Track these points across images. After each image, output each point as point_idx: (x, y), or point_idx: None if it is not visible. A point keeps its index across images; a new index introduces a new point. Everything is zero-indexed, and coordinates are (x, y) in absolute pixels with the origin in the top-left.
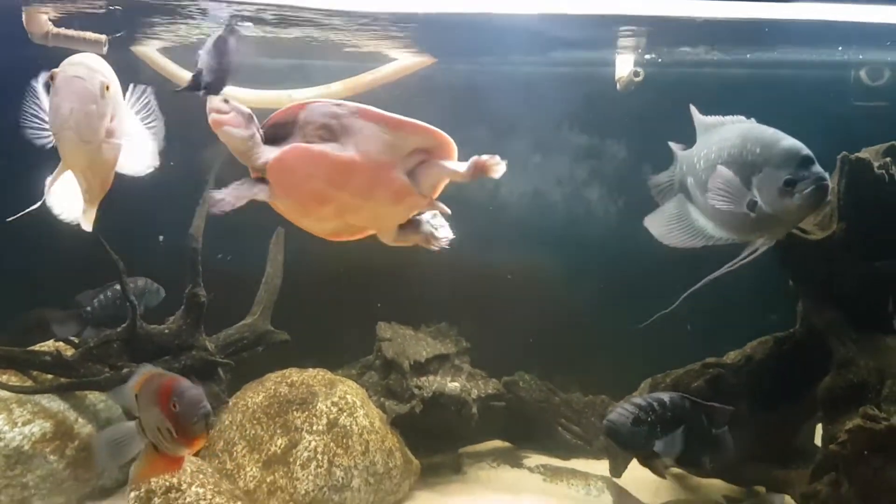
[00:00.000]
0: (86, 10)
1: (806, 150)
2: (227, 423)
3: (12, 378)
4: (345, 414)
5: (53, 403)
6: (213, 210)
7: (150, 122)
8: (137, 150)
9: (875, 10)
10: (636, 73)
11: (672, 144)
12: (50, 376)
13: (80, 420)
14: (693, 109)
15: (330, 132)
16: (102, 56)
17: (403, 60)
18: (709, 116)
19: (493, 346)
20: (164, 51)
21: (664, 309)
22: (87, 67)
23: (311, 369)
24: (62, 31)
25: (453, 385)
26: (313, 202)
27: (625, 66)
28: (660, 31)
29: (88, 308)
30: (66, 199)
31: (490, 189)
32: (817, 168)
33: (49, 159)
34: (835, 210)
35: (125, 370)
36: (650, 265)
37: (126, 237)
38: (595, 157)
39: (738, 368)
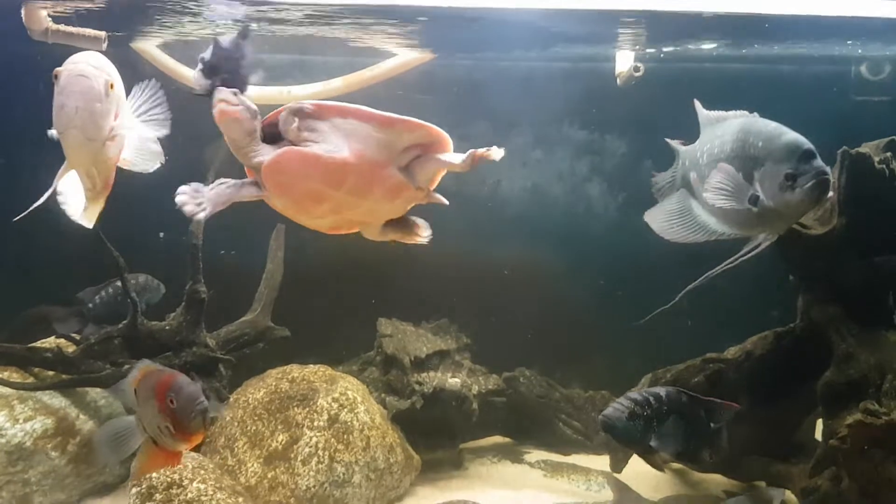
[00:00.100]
0: (85, 6)
1: (807, 145)
2: (228, 419)
3: (13, 375)
4: (346, 410)
5: (55, 400)
6: (193, 216)
7: (156, 117)
8: (143, 147)
9: (876, 5)
10: (636, 69)
11: (669, 141)
12: (51, 373)
13: (81, 416)
14: (697, 104)
15: (321, 133)
16: (102, 52)
17: (403, 56)
18: (712, 111)
19: (494, 341)
20: (164, 46)
21: (665, 305)
22: (91, 66)
23: (311, 365)
24: (61, 27)
25: (454, 381)
26: (309, 202)
27: (625, 61)
28: (660, 26)
29: (90, 305)
30: (73, 198)
31: (490, 185)
32: (819, 162)
33: (49, 155)
34: (835, 205)
35: (126, 367)
36: (651, 261)
37: (126, 234)
38: (595, 153)
39: (739, 364)
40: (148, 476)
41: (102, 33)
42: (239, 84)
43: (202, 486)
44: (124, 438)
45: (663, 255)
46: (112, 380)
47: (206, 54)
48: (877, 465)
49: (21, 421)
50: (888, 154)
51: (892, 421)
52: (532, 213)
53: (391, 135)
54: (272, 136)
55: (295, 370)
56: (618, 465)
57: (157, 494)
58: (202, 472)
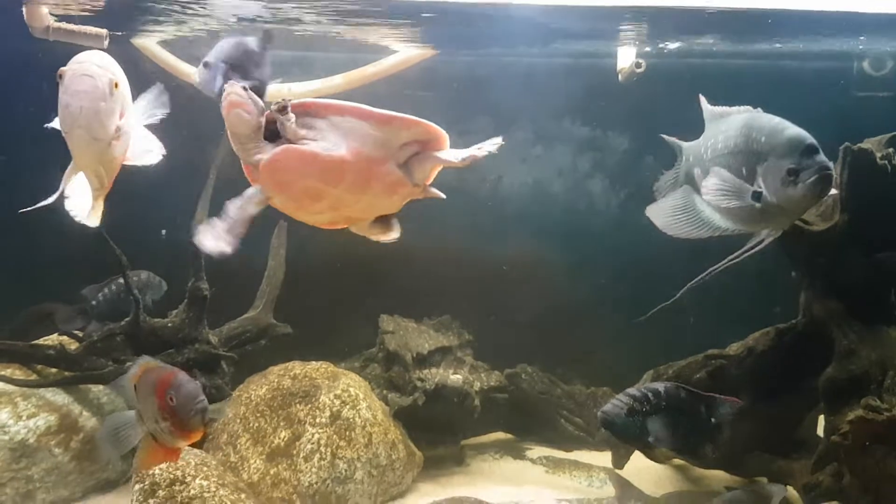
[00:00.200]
0: (88, 6)
1: (810, 140)
2: (230, 415)
3: (17, 372)
4: (348, 406)
5: (58, 397)
6: (221, 255)
7: (156, 115)
8: (145, 142)
9: (878, 1)
10: (638, 65)
11: (667, 138)
12: (54, 370)
13: (84, 413)
14: (702, 99)
15: (320, 132)
16: (103, 50)
17: (405, 52)
18: (716, 107)
19: (496, 338)
20: (164, 44)
21: (667, 301)
22: (96, 65)
23: (313, 362)
24: (63, 25)
25: (456, 377)
26: (307, 199)
27: (627, 57)
28: (662, 22)
29: (93, 302)
30: (77, 197)
31: (492, 181)
32: (821, 157)
33: (50, 153)
34: (837, 201)
35: (128, 364)
36: (653, 257)
37: (128, 232)
38: (597, 150)
39: (741, 360)
40: (151, 473)
41: (104, 31)
42: (259, 84)
43: (205, 483)
44: (125, 433)
45: (666, 252)
46: (115, 377)
47: (218, 52)
48: (878, 461)
49: (24, 418)
50: (890, 150)
51: (894, 417)
52: (534, 210)
53: (388, 132)
54: (271, 133)
55: (297, 367)
56: (619, 461)
57: (160, 491)
58: (205, 468)
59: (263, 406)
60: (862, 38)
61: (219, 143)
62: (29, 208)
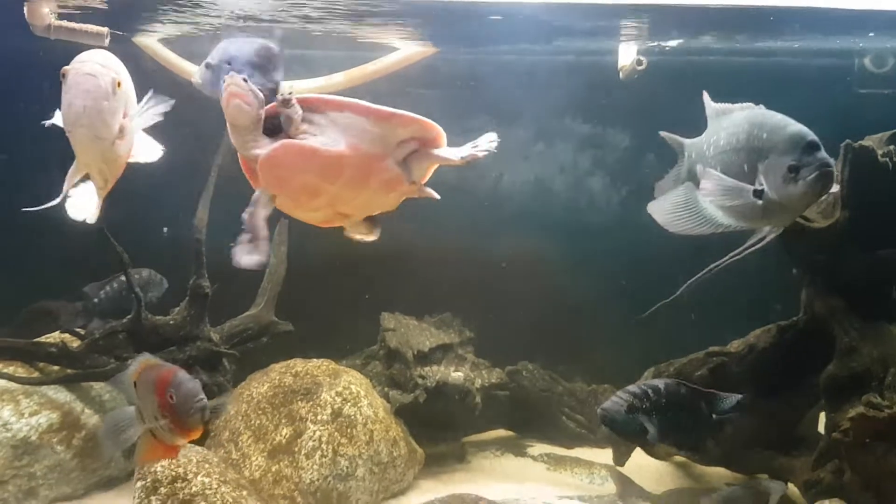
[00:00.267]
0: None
1: (811, 136)
2: (232, 413)
3: (18, 369)
4: (349, 404)
5: (60, 394)
6: (257, 265)
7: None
8: (147, 139)
9: None
10: (639, 62)
11: (668, 135)
12: (56, 367)
13: (86, 411)
14: (705, 96)
15: (319, 127)
16: (105, 48)
17: (406, 50)
18: (719, 103)
19: (497, 335)
20: (166, 41)
21: (668, 298)
22: (98, 64)
23: (315, 359)
24: (64, 23)
25: (457, 374)
26: (305, 195)
27: (628, 54)
28: (663, 19)
29: (95, 300)
30: (76, 196)
31: (493, 178)
32: (822, 154)
33: (50, 151)
34: (838, 198)
35: (130, 361)
36: (655, 254)
37: (129, 229)
38: (598, 147)
39: (742, 357)
40: (153, 470)
41: (105, 29)
42: (275, 86)
43: (206, 480)
44: (124, 429)
45: (667, 249)
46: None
47: (221, 53)
48: (879, 458)
49: (27, 415)
50: (891, 147)
51: (895, 414)
52: (535, 207)
53: (387, 128)
54: (270, 128)
55: (298, 364)
56: (621, 458)
57: (162, 488)
58: (206, 465)
59: (265, 403)
60: (865, 35)
61: (220, 141)
62: (34, 209)
